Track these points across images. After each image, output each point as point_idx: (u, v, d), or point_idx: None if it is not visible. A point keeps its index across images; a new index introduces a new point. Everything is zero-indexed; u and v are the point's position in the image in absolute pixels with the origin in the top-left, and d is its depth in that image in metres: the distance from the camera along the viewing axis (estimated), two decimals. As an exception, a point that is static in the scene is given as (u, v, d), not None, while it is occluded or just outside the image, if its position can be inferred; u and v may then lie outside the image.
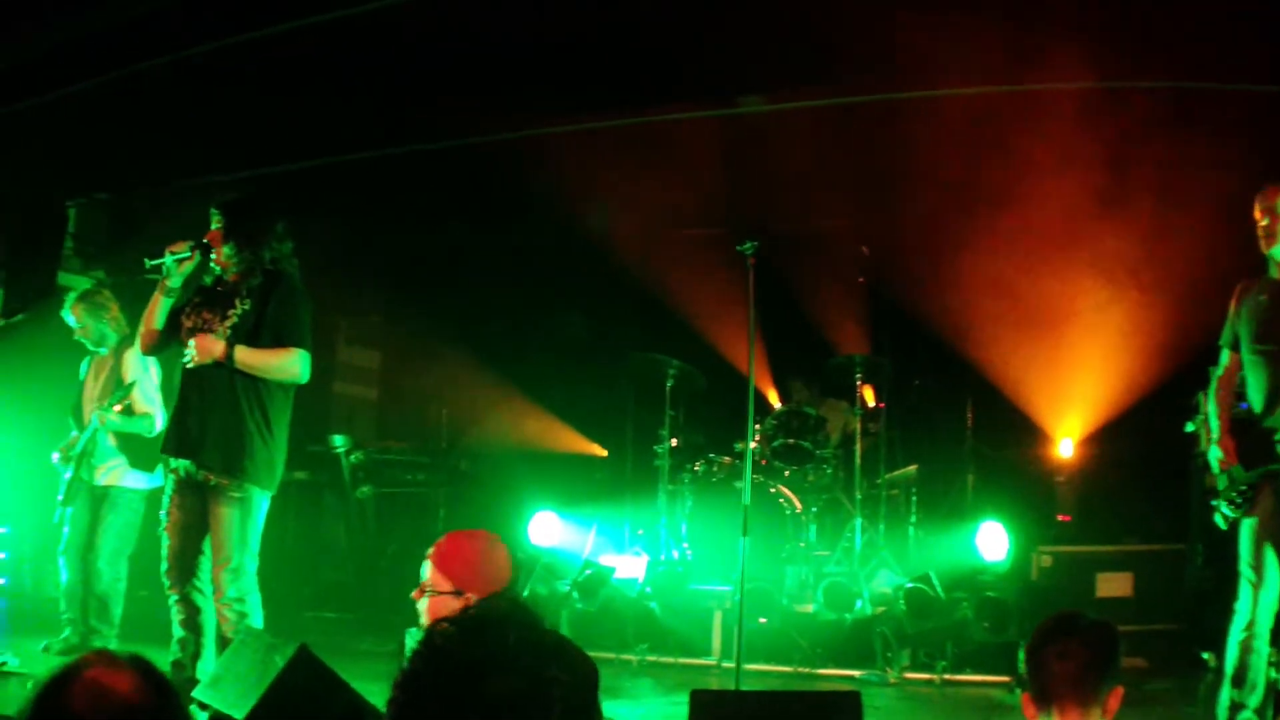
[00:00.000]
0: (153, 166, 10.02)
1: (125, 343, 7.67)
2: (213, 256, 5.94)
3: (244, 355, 5.77)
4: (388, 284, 11.92)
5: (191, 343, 5.81)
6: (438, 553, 4.16)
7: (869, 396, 9.28)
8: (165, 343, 6.18)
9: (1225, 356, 5.82)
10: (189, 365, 5.93)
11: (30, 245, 11.13)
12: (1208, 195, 7.32)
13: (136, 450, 7.57)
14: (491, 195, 10.27)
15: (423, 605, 4.10)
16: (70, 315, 7.73)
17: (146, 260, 5.88)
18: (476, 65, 8.10)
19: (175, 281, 5.96)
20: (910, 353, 9.70)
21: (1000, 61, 7.25)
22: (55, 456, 7.69)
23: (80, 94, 8.71)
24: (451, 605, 3.98)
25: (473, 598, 4.04)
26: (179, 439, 5.93)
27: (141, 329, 6.15)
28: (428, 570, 4.13)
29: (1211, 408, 5.82)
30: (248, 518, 5.86)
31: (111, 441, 7.56)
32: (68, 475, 7.55)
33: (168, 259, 5.85)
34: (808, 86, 8.12)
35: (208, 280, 6.12)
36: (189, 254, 5.88)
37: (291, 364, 5.87)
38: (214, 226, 5.98)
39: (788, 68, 7.88)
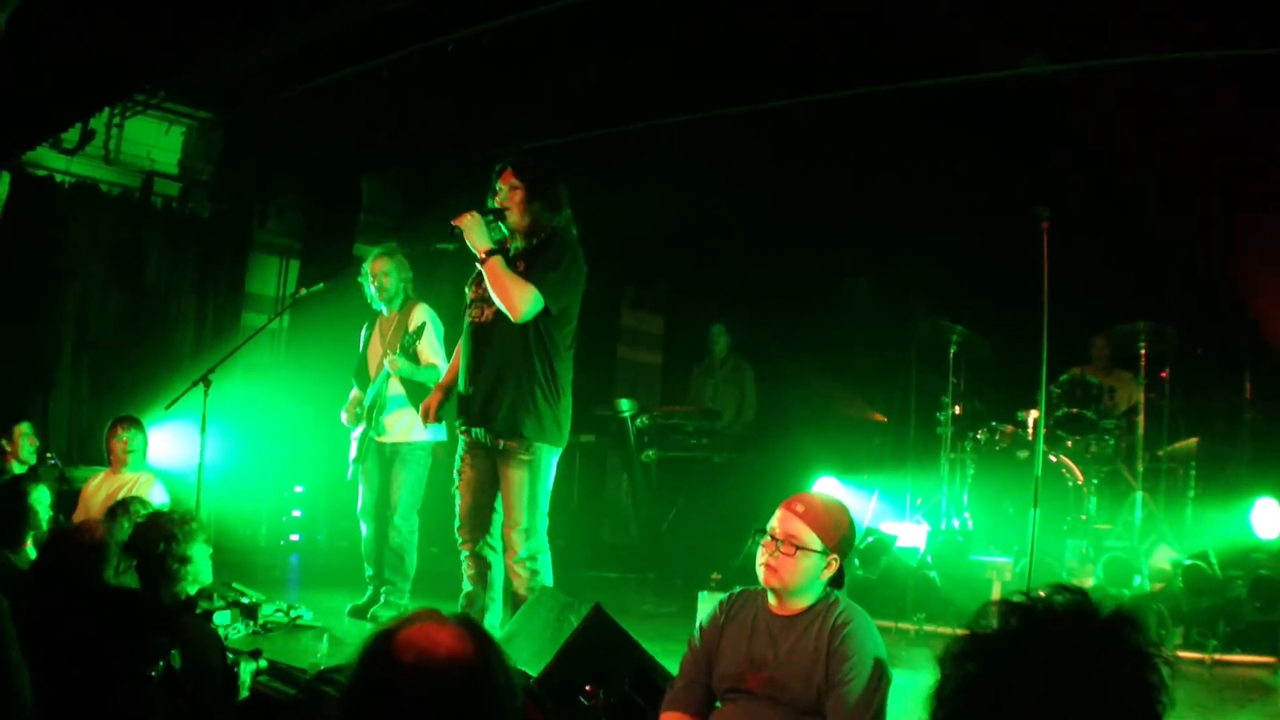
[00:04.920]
0: (441, 141, 10.36)
1: (410, 303, 7.95)
2: (503, 224, 6.11)
3: (497, 263, 5.85)
4: (672, 250, 12.06)
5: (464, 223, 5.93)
6: (810, 511, 4.11)
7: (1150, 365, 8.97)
8: None
9: None
10: (474, 322, 6.16)
11: (328, 219, 11.75)
12: None
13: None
14: (775, 160, 10.27)
15: (780, 560, 4.05)
16: (371, 269, 7.94)
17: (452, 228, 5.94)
18: (747, 31, 8.13)
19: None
20: (1193, 321, 9.30)
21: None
22: (343, 417, 7.96)
23: (373, 70, 9.11)
24: (817, 565, 4.06)
25: (836, 560, 4.09)
26: (468, 407, 6.15)
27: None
28: (790, 524, 4.08)
29: None
30: (537, 479, 6.02)
31: (399, 390, 7.76)
32: (358, 432, 7.86)
33: (477, 227, 5.93)
34: (1093, 47, 7.86)
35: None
36: (491, 219, 6.03)
37: (523, 295, 5.83)
38: (498, 187, 6.13)
39: (1070, 26, 7.65)
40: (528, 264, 5.99)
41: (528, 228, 6.11)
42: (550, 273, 5.95)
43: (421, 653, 2.12)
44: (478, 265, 5.97)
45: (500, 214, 6.08)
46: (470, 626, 2.23)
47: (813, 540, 4.05)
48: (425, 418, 6.62)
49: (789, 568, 4.04)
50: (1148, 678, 1.91)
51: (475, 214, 5.95)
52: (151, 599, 4.49)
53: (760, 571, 4.12)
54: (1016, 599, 2.01)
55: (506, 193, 6.10)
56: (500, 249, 5.94)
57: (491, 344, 6.07)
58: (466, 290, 6.32)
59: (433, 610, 2.25)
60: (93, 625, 3.00)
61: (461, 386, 6.24)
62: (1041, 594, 2.02)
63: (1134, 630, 1.95)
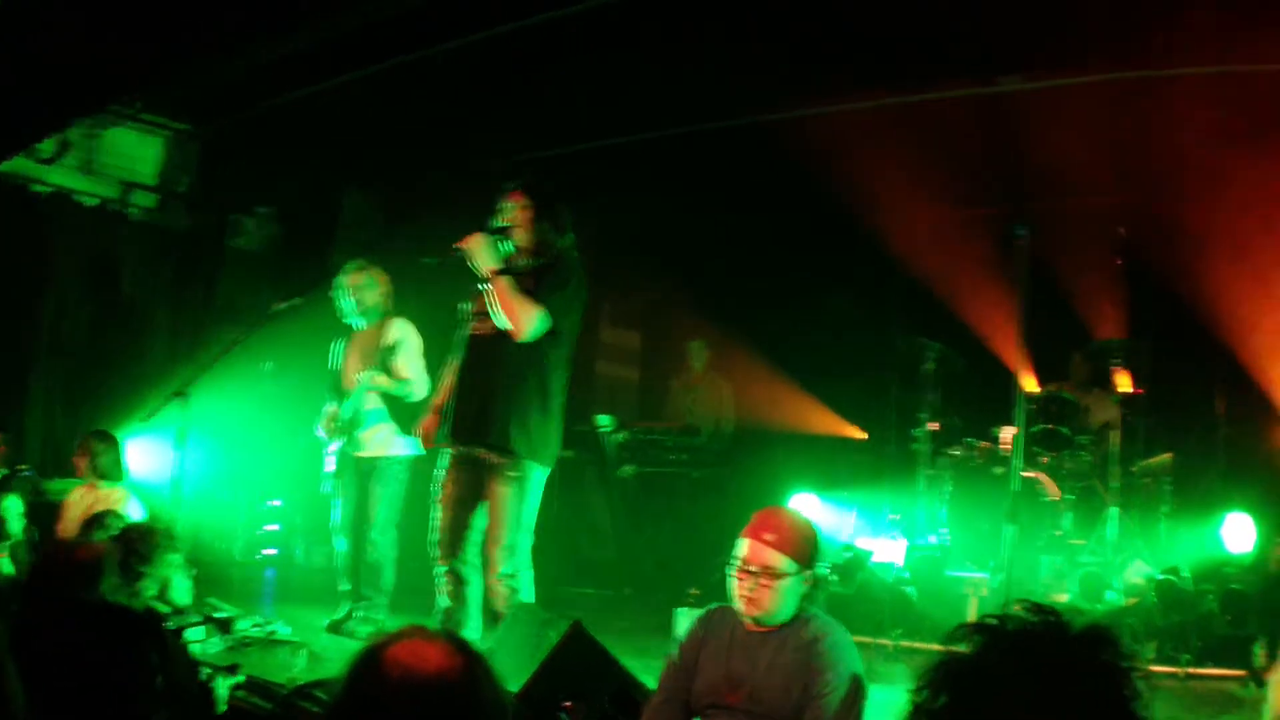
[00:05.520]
0: (419, 155, 10.36)
1: (387, 317, 7.96)
2: (507, 243, 6.11)
3: (505, 283, 5.86)
4: (651, 265, 12.04)
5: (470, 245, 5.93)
6: (780, 537, 4.09)
7: (1124, 382, 8.99)
8: None
9: None
10: (472, 335, 6.17)
11: (305, 232, 11.72)
12: None
13: (401, 415, 7.72)
14: (756, 177, 10.29)
15: (760, 592, 4.05)
16: (346, 282, 7.95)
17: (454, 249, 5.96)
18: (734, 46, 8.14)
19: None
20: (1167, 338, 9.33)
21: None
22: (320, 431, 7.94)
23: (350, 84, 9.09)
24: (795, 586, 4.07)
25: (811, 575, 4.10)
26: (459, 423, 6.13)
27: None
28: (763, 555, 4.06)
29: None
30: (524, 497, 6.02)
31: (377, 405, 7.76)
32: (334, 446, 7.84)
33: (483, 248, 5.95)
34: (1067, 65, 7.92)
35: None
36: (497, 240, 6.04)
37: (528, 315, 5.86)
38: (505, 206, 6.15)
39: (1047, 46, 7.71)
40: (533, 283, 6.00)
41: (533, 247, 6.14)
42: (556, 293, 5.98)
43: (409, 669, 2.11)
44: (482, 285, 5.98)
45: (505, 233, 6.11)
46: (457, 642, 2.21)
47: (788, 565, 4.05)
48: (424, 443, 6.57)
49: (770, 597, 4.05)
50: (1122, 691, 1.91)
51: (481, 235, 5.98)
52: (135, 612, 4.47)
53: (740, 604, 4.11)
54: (988, 621, 2.00)
55: (514, 211, 6.13)
56: (507, 268, 5.96)
57: (489, 358, 6.08)
58: (464, 305, 6.32)
59: (420, 626, 2.23)
60: (79, 638, 2.97)
61: (452, 399, 6.23)
62: (1013, 612, 2.01)
63: (1106, 645, 1.94)
